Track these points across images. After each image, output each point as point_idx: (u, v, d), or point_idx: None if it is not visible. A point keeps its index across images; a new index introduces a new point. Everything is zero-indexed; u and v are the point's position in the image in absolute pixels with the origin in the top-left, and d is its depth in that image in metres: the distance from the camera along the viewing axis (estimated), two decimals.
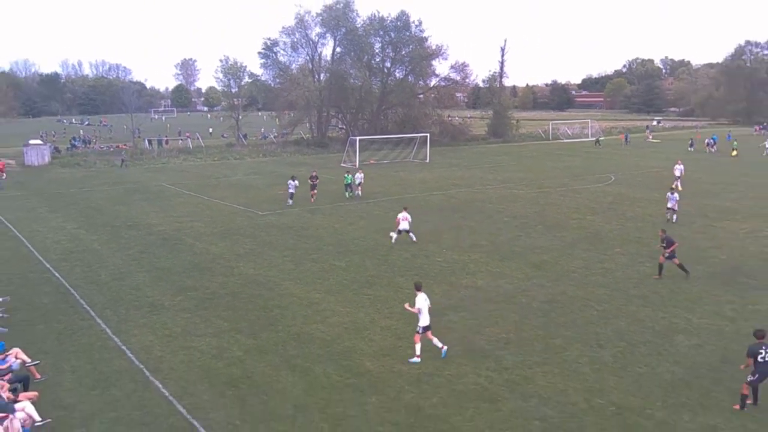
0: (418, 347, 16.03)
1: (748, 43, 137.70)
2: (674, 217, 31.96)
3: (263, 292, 21.54)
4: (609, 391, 14.40)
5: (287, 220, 33.87)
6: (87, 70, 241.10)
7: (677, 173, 42.70)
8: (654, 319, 18.73)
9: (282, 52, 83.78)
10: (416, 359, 15.90)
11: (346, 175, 42.42)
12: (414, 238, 27.82)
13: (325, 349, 16.85)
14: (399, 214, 28.21)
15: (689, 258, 25.23)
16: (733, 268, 24.04)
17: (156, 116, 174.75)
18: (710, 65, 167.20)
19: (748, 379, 13.53)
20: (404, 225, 27.79)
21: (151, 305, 20.33)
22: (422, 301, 16.05)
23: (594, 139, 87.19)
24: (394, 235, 27.99)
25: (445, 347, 16.14)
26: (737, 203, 37.79)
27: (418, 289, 16.34)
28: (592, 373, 15.27)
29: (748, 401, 13.55)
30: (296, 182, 39.15)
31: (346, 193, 41.62)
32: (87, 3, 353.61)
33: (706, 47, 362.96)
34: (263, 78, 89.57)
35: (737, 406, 13.56)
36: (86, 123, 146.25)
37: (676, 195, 32.39)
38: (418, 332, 16.07)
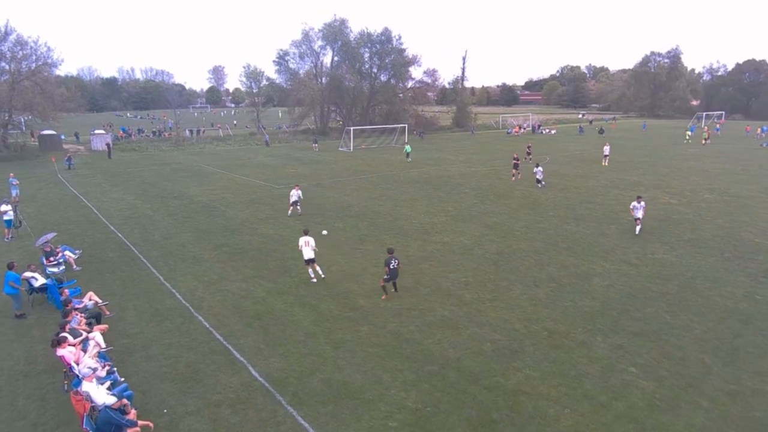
0: None
1: (652, 53, 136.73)
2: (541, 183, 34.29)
3: (280, 248, 21.54)
4: (542, 320, 14.68)
5: None
6: (138, 75, 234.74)
7: (606, 152, 45.82)
8: (577, 266, 19.01)
9: (292, 60, 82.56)
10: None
11: (406, 146, 48.06)
12: (300, 211, 26.87)
13: (328, 290, 16.97)
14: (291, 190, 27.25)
15: (606, 219, 25.59)
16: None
17: (195, 112, 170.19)
18: (623, 71, 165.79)
19: (385, 278, 15.84)
20: (294, 198, 26.70)
21: (194, 258, 20.31)
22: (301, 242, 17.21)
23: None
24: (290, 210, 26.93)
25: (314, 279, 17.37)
26: (642, 177, 38.01)
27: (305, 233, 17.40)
28: (530, 307, 15.54)
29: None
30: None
31: (408, 159, 46.91)
32: (137, 21, 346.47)
33: (621, 56, 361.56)
34: (277, 81, 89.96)
35: (384, 297, 15.80)
36: (139, 117, 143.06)
37: (540, 168, 34.64)
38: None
